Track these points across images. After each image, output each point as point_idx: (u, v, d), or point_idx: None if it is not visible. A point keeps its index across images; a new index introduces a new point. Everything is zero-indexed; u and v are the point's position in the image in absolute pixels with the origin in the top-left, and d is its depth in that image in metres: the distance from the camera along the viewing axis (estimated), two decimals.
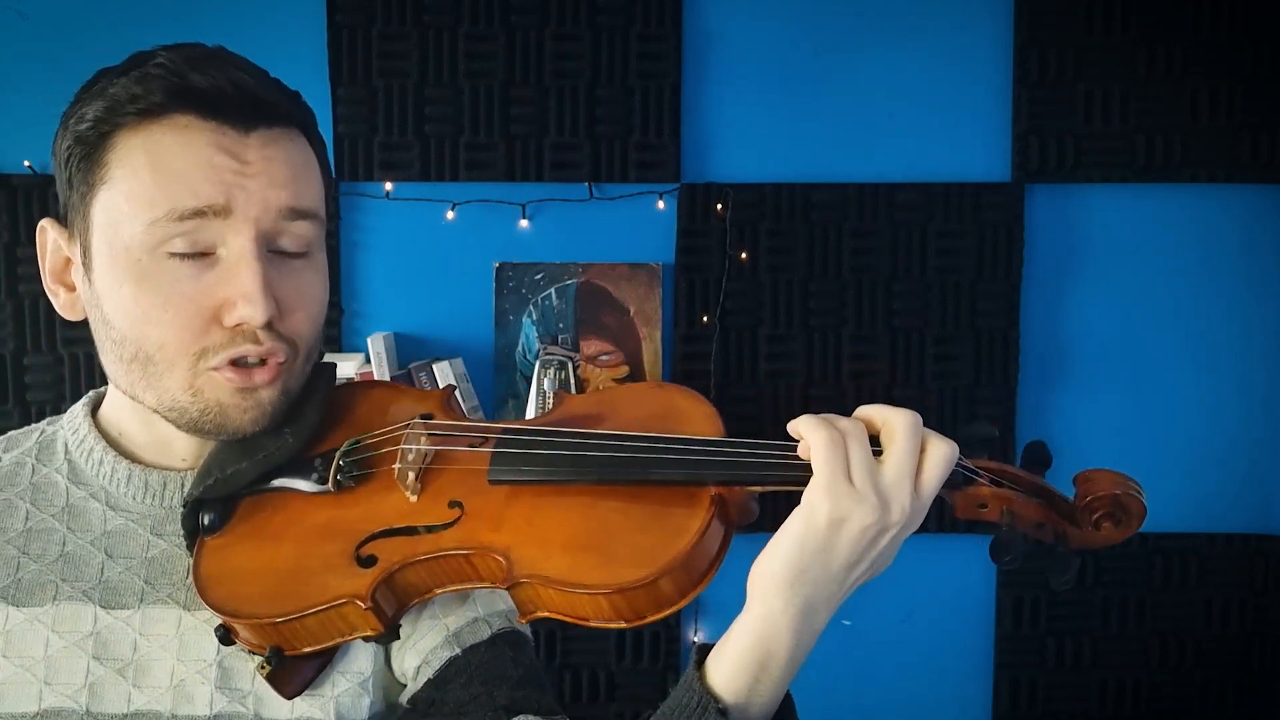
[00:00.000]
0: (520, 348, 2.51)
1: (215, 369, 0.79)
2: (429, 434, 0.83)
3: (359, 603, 0.75)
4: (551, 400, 2.36)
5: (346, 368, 2.36)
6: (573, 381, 2.45)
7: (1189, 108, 2.48)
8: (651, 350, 2.51)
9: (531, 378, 2.44)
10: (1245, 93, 2.47)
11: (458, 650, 0.83)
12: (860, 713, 2.61)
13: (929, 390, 2.52)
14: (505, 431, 0.82)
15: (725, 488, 0.74)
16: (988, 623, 2.60)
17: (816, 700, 2.67)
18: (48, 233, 0.85)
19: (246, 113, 0.78)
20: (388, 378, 2.35)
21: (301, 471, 0.83)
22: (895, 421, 0.70)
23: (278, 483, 0.83)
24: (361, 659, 0.84)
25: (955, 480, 0.74)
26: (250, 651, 0.79)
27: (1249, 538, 2.57)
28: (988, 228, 2.50)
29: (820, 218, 2.49)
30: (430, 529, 0.78)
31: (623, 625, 0.73)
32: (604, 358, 2.51)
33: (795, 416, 0.73)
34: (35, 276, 2.44)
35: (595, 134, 2.47)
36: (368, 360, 2.39)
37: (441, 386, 0.94)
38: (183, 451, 0.87)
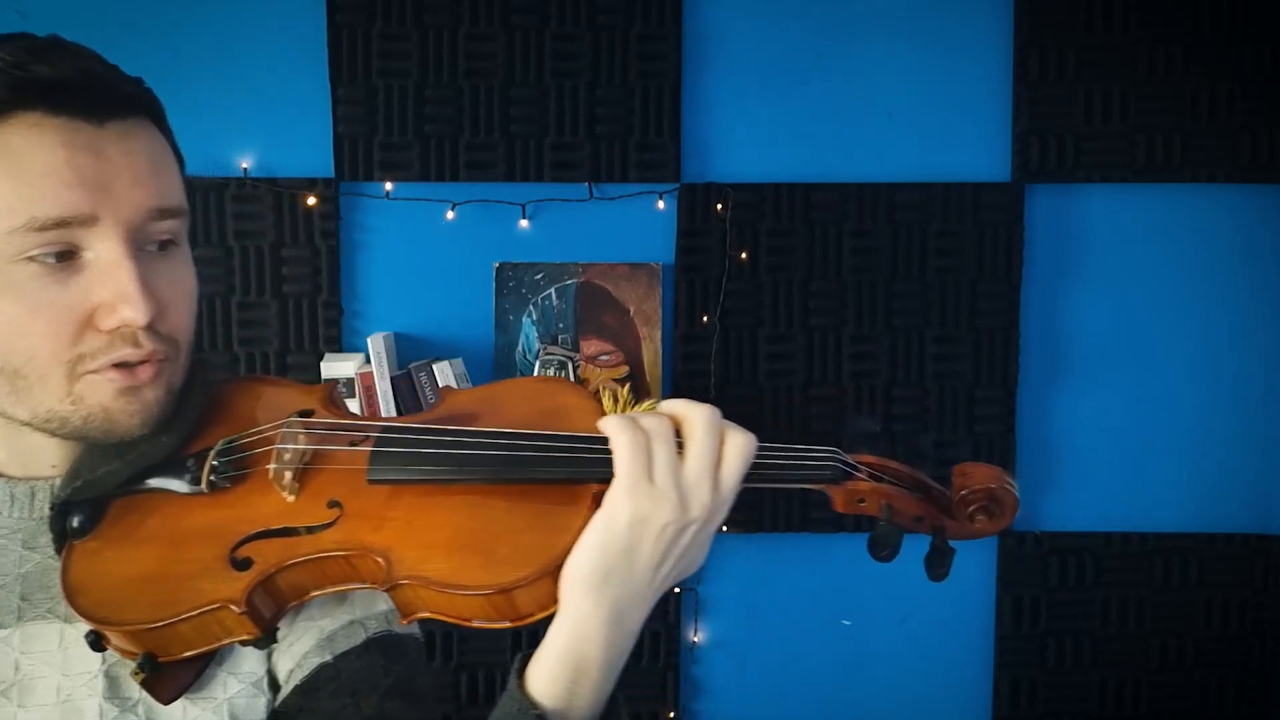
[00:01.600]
0: (520, 348, 2.51)
1: (95, 371, 0.75)
2: (306, 432, 0.81)
3: (233, 607, 0.73)
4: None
5: (346, 368, 2.36)
6: (573, 381, 2.45)
7: (1189, 108, 2.48)
8: (651, 350, 2.51)
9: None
10: (1245, 93, 2.47)
11: (329, 656, 0.81)
12: (860, 713, 2.61)
13: (929, 390, 2.52)
14: (385, 429, 0.80)
15: (606, 485, 0.72)
16: (988, 623, 2.60)
17: (817, 700, 2.69)
18: None
19: (98, 104, 0.74)
20: (388, 378, 2.35)
21: (175, 472, 0.79)
22: (694, 418, 0.71)
23: (151, 483, 0.80)
24: (252, 659, 0.81)
25: (835, 476, 0.75)
26: (125, 658, 0.77)
27: (1249, 538, 2.57)
28: (988, 228, 2.50)
29: (820, 218, 2.49)
30: (309, 530, 0.76)
31: (507, 625, 0.73)
32: (604, 358, 2.51)
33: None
34: None
35: (595, 134, 2.47)
36: (368, 360, 2.39)
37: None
38: (52, 458, 0.82)
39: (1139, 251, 2.54)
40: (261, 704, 0.81)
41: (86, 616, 0.74)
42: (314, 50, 2.44)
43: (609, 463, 0.71)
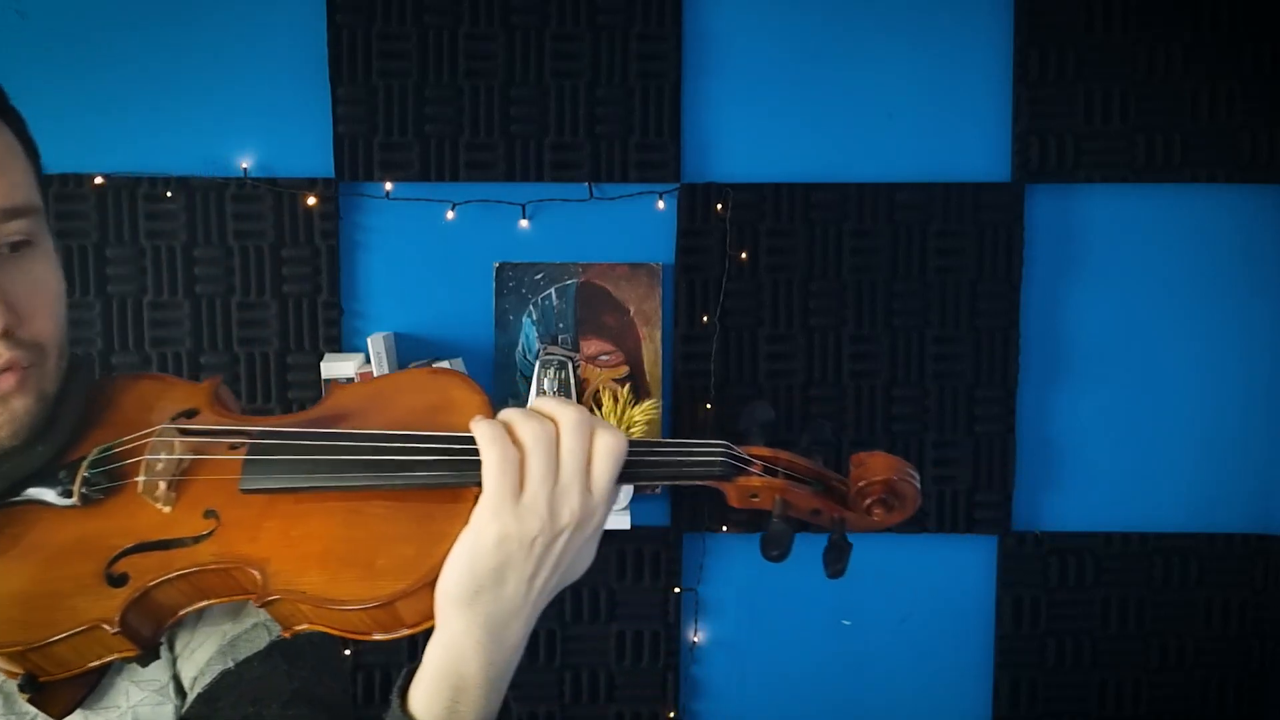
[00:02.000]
0: (520, 348, 2.51)
1: None
2: (182, 439, 0.76)
3: (106, 627, 0.70)
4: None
5: (346, 368, 2.36)
6: (573, 382, 2.45)
7: (1189, 108, 2.48)
8: (651, 350, 2.51)
9: (531, 378, 2.44)
10: (1245, 93, 2.47)
11: (231, 663, 0.78)
12: (860, 713, 2.61)
13: (929, 390, 2.52)
14: (260, 434, 0.76)
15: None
16: (988, 623, 2.60)
17: (817, 700, 2.68)
18: None
19: None
20: None
21: (49, 482, 0.75)
22: (560, 420, 0.68)
23: (27, 495, 0.76)
24: (155, 667, 0.78)
25: (725, 473, 0.71)
26: (8, 677, 0.74)
27: (1249, 538, 2.57)
28: (988, 228, 2.49)
29: (820, 218, 2.49)
30: (185, 542, 0.72)
31: (394, 637, 0.70)
32: (604, 358, 2.51)
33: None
34: None
35: (595, 134, 2.47)
36: (368, 360, 2.39)
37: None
38: None
39: (1139, 251, 2.54)
40: (168, 710, 0.79)
41: None
42: (314, 50, 2.44)
43: (479, 466, 0.68)
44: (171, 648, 0.81)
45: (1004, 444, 2.53)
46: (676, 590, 2.55)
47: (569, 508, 0.67)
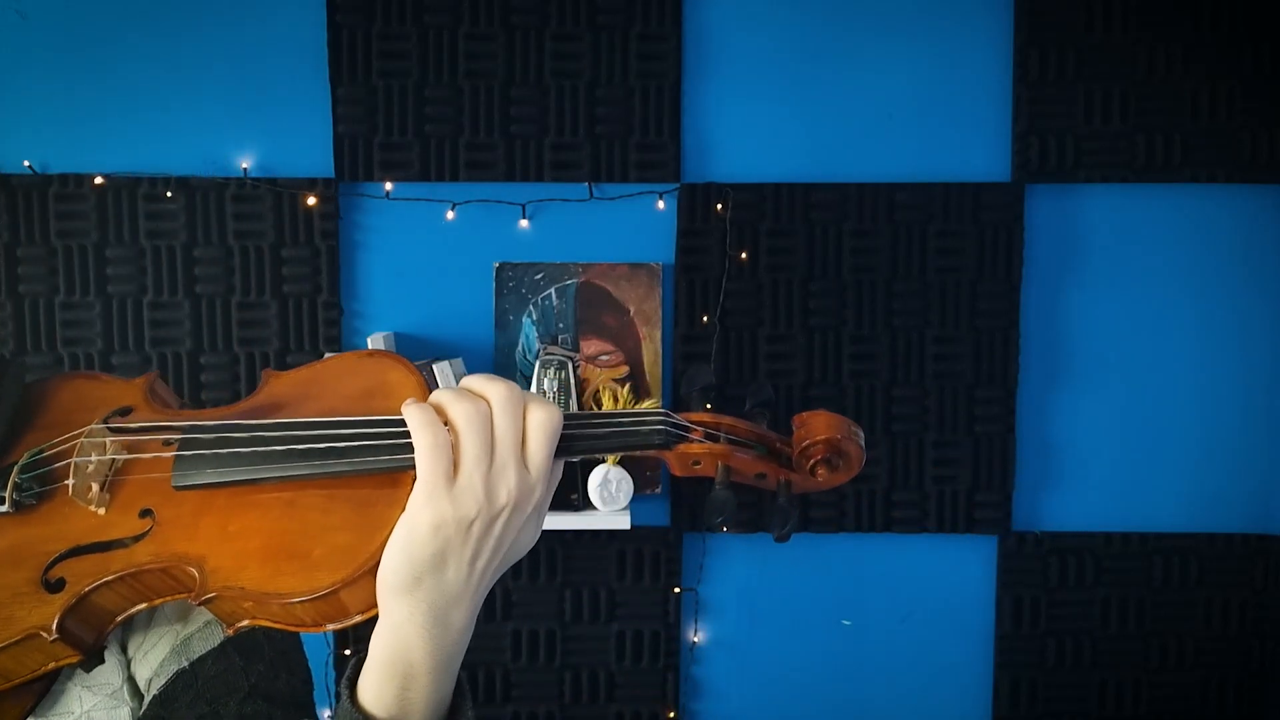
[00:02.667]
0: (520, 348, 2.51)
1: None
2: (114, 438, 0.75)
3: (43, 635, 0.68)
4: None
5: None
6: (573, 382, 2.45)
7: (1189, 108, 2.48)
8: (651, 350, 2.51)
9: (531, 378, 2.44)
10: (1245, 93, 2.47)
11: (185, 663, 0.78)
12: (860, 713, 2.61)
13: (929, 390, 2.52)
14: (189, 429, 0.74)
15: None
16: (988, 623, 2.60)
17: (817, 700, 2.68)
18: None
19: None
20: None
21: None
22: (490, 397, 0.66)
23: None
24: (107, 670, 0.78)
25: (663, 441, 0.70)
26: None
27: (1249, 538, 2.57)
28: (988, 228, 2.49)
29: (820, 218, 2.49)
30: (122, 544, 0.71)
31: (343, 625, 0.69)
32: (604, 358, 2.51)
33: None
34: (36, 277, 2.44)
35: (595, 134, 2.47)
36: None
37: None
38: None
39: (1139, 251, 2.54)
40: (124, 714, 0.78)
41: None
42: (314, 50, 2.44)
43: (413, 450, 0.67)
44: (125, 650, 0.80)
45: (1004, 444, 2.53)
46: (676, 590, 2.55)
47: (505, 487, 0.65)
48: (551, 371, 2.41)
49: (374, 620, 0.68)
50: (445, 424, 0.65)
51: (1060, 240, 2.54)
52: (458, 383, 2.32)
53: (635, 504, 2.44)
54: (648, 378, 2.51)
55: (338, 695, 0.69)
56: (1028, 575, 2.57)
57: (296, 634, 0.82)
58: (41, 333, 2.44)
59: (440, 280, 2.50)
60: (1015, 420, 2.54)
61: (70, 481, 0.73)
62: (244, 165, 2.44)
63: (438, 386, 0.86)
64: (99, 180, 2.42)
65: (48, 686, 0.75)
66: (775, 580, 2.58)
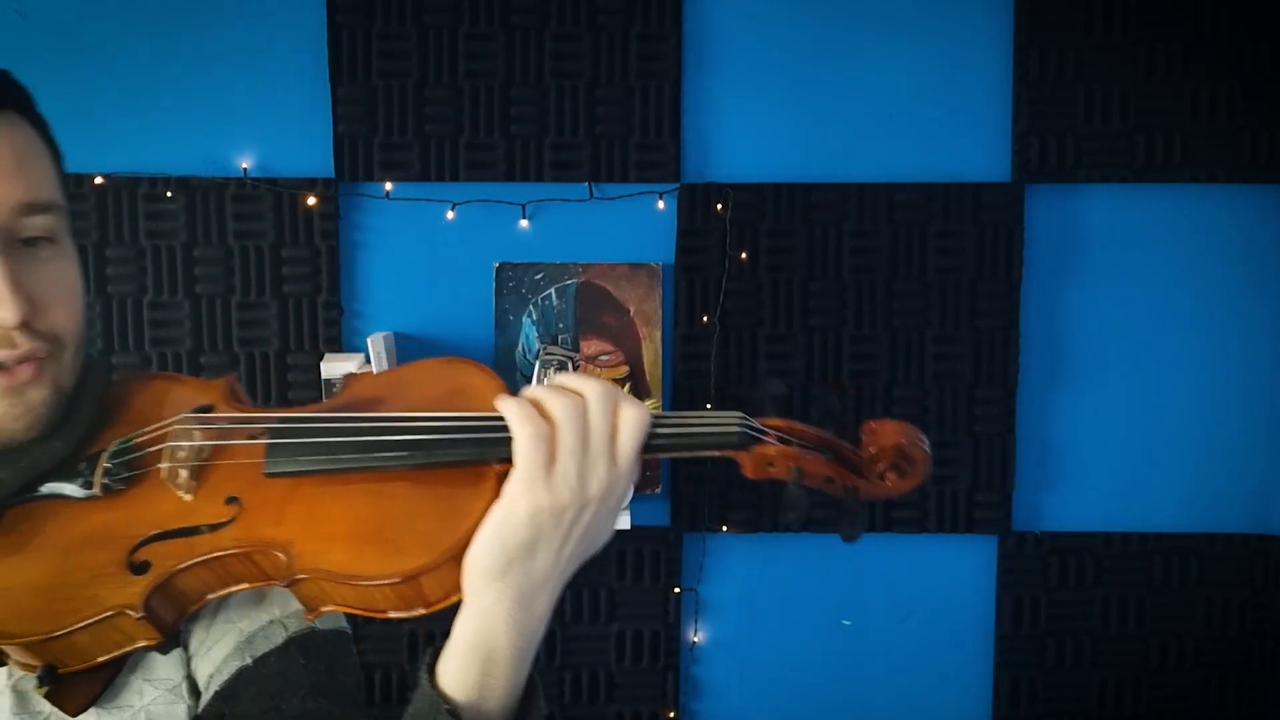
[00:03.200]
0: (520, 348, 2.51)
1: None
2: (202, 428, 0.78)
3: (130, 613, 0.71)
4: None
5: (347, 368, 2.36)
6: None
7: (1189, 108, 2.48)
8: (651, 350, 2.51)
9: (531, 378, 2.45)
10: (1245, 93, 2.47)
11: (248, 659, 0.79)
12: (860, 713, 2.61)
13: (929, 390, 2.52)
14: (281, 420, 0.78)
15: (509, 465, 0.71)
16: (988, 623, 2.60)
17: (817, 700, 2.68)
18: None
19: None
20: None
21: (68, 476, 0.77)
22: (586, 394, 0.70)
23: (44, 490, 0.77)
24: (169, 665, 0.80)
25: (742, 441, 0.73)
26: (26, 671, 0.75)
27: (1249, 538, 2.57)
28: (988, 228, 2.49)
29: (820, 218, 2.49)
30: (207, 528, 0.74)
31: (421, 613, 0.71)
32: (604, 358, 2.51)
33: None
34: None
35: (595, 134, 2.47)
36: (368, 360, 2.39)
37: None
38: None
39: (1139, 251, 2.54)
40: (181, 710, 0.79)
41: None
42: (314, 50, 2.44)
43: (509, 443, 0.69)
44: (186, 647, 0.81)
45: (1004, 444, 2.53)
46: (676, 590, 2.55)
47: (597, 479, 0.68)
48: (551, 371, 2.41)
49: (447, 610, 0.70)
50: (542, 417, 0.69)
51: (1060, 240, 2.54)
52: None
53: (635, 504, 2.44)
54: (648, 378, 2.51)
55: (417, 680, 0.71)
56: (1028, 575, 2.57)
57: (350, 638, 0.86)
58: None
59: (440, 280, 2.50)
60: (1015, 420, 2.54)
61: (163, 465, 0.76)
62: (244, 165, 2.44)
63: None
64: (99, 180, 2.42)
65: (114, 674, 0.77)
66: (775, 580, 2.58)
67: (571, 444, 0.68)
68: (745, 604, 2.58)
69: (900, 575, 2.58)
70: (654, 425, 0.71)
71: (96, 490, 0.76)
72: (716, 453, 0.75)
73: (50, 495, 0.77)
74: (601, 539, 0.73)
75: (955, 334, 2.51)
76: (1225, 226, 2.53)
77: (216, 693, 0.78)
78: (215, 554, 0.73)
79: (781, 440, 0.75)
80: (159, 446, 0.77)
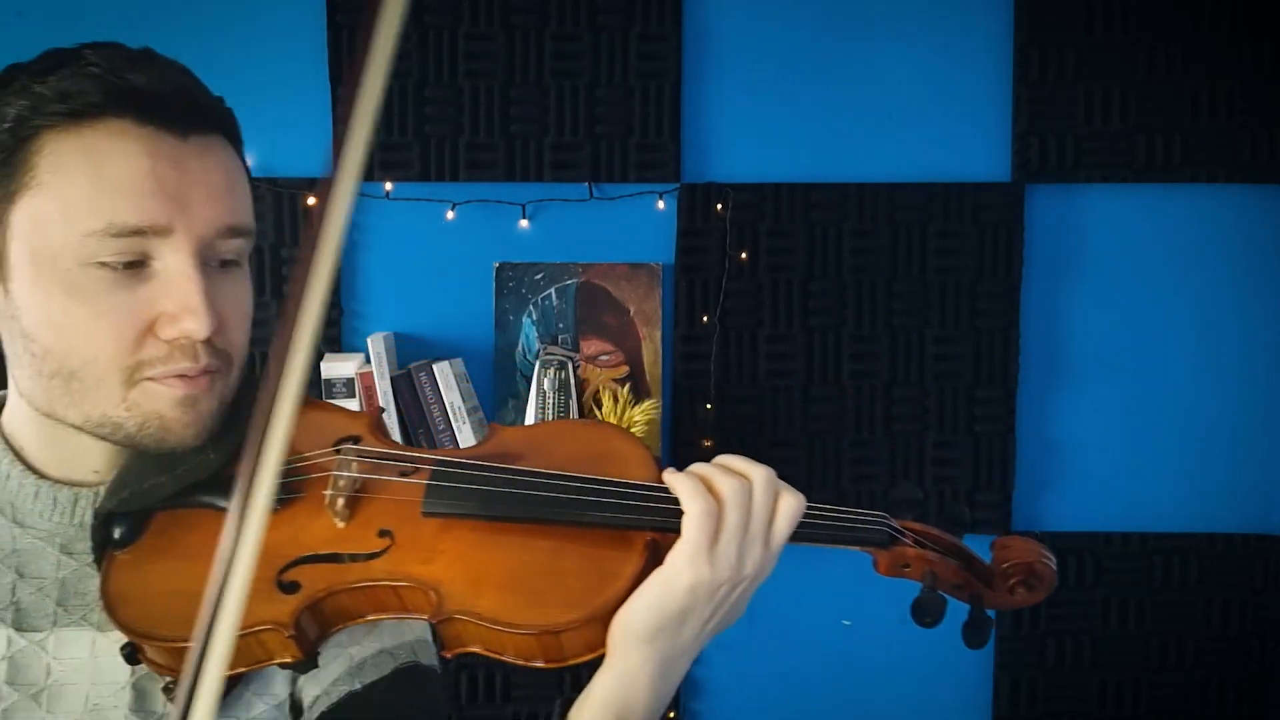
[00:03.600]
0: (520, 348, 2.51)
1: (153, 379, 0.75)
2: (359, 460, 0.81)
3: (282, 630, 0.73)
4: (551, 406, 2.36)
5: (346, 368, 2.36)
6: (573, 382, 2.45)
7: (1189, 108, 2.48)
8: (651, 350, 2.51)
9: (531, 378, 2.44)
10: (1245, 93, 2.47)
11: (358, 685, 0.81)
12: (860, 713, 2.61)
13: (928, 390, 2.52)
14: (440, 463, 0.80)
15: (659, 534, 0.74)
16: None
17: (817, 700, 2.68)
18: None
19: (183, 117, 0.75)
20: (387, 378, 2.35)
21: (222, 489, 0.78)
22: (753, 478, 0.73)
23: (198, 499, 0.79)
24: (278, 682, 0.81)
25: (882, 540, 0.78)
26: (157, 673, 0.76)
27: (1249, 538, 2.57)
28: (988, 228, 2.49)
29: (820, 218, 2.49)
30: (357, 558, 0.76)
31: (547, 666, 0.75)
32: (604, 358, 2.51)
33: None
34: None
35: (595, 134, 2.47)
36: (368, 360, 2.39)
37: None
38: (95, 464, 0.81)
39: (1139, 251, 2.54)
40: None
41: (126, 629, 0.73)
42: (314, 50, 2.44)
43: (666, 513, 0.73)
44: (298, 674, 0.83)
45: (1004, 444, 2.53)
46: None
47: (753, 560, 0.73)
48: (551, 371, 2.41)
49: (578, 666, 0.75)
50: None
51: (1060, 240, 2.54)
52: (459, 382, 2.33)
53: None
54: (648, 378, 2.51)
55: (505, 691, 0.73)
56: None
57: (441, 678, 0.88)
58: None
59: (440, 280, 2.50)
60: (1015, 420, 2.54)
61: (328, 492, 0.78)
62: None
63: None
64: None
65: (234, 685, 0.79)
66: (775, 580, 2.56)
67: (735, 524, 0.72)
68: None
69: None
70: (804, 514, 0.76)
71: None
72: (857, 547, 0.79)
73: (204, 505, 0.79)
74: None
75: (955, 334, 2.51)
76: (1225, 226, 2.53)
77: (323, 714, 0.80)
78: (364, 583, 0.75)
79: (919, 544, 0.80)
80: (320, 473, 0.80)
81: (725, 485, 0.72)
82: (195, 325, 0.74)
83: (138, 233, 0.72)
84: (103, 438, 0.77)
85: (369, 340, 2.41)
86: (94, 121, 0.73)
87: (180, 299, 0.74)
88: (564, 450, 0.83)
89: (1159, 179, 2.50)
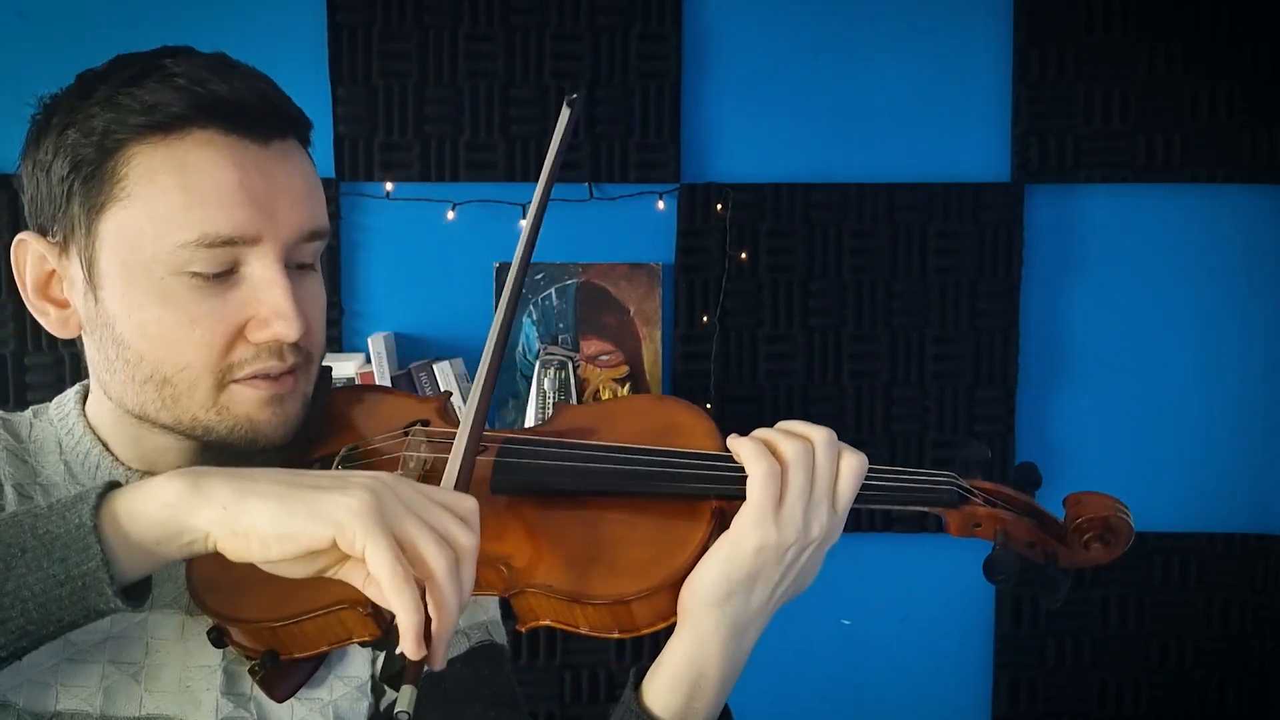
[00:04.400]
0: (520, 348, 2.51)
1: (240, 382, 0.78)
2: (429, 441, 0.83)
3: (360, 608, 0.74)
4: (551, 406, 2.36)
5: (347, 368, 2.36)
6: (573, 382, 2.45)
7: (1189, 108, 2.48)
8: (651, 350, 2.51)
9: (532, 378, 2.44)
10: (1245, 93, 2.47)
11: None
12: (860, 713, 2.61)
13: (928, 390, 2.52)
14: (508, 440, 0.82)
15: (726, 501, 0.75)
16: (987, 623, 2.60)
17: (817, 700, 2.68)
18: (28, 245, 0.80)
19: (265, 125, 0.77)
20: (388, 378, 2.35)
21: None
22: (813, 440, 0.73)
23: None
24: (358, 664, 0.84)
25: (951, 499, 0.77)
26: (244, 655, 0.79)
27: (1249, 538, 2.57)
28: (988, 228, 2.49)
29: (820, 218, 2.49)
30: None
31: (620, 636, 0.75)
32: (604, 358, 2.51)
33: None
34: None
35: (595, 134, 2.47)
36: (368, 360, 2.39)
37: (441, 390, 0.94)
38: (176, 460, 0.84)
39: (1139, 251, 2.54)
40: (364, 708, 0.83)
41: (212, 613, 0.76)
42: (314, 50, 2.44)
43: (731, 480, 0.73)
44: (374, 651, 0.85)
45: (1004, 444, 2.53)
46: None
47: (819, 522, 0.73)
48: (551, 371, 2.42)
49: (652, 635, 0.74)
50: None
51: (1060, 240, 2.54)
52: (459, 382, 2.33)
53: None
54: (647, 378, 2.51)
55: (622, 700, 0.75)
56: (1026, 575, 2.56)
57: (510, 656, 0.90)
58: (43, 333, 2.44)
59: (440, 280, 2.50)
60: (1015, 420, 2.54)
61: (399, 472, 0.79)
62: None
63: (450, 395, 0.95)
64: None
65: (316, 668, 0.81)
66: None
67: (800, 486, 0.71)
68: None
69: (900, 575, 2.58)
70: (870, 475, 0.75)
71: None
72: (925, 508, 0.78)
73: None
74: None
75: (955, 334, 2.51)
76: (1225, 226, 2.53)
77: None
78: None
79: (989, 503, 0.78)
80: (391, 455, 0.82)
81: (788, 447, 0.72)
82: (286, 329, 0.76)
83: (229, 243, 0.74)
84: (196, 439, 0.80)
85: (369, 340, 2.41)
86: (181, 133, 0.74)
87: (271, 304, 0.76)
88: (628, 425, 0.84)
89: (1159, 179, 2.50)
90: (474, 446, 0.77)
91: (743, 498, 0.73)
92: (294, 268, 0.79)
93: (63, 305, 0.81)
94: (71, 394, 0.89)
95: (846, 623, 2.60)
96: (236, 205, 0.74)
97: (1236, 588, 2.57)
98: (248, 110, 0.75)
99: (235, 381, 0.77)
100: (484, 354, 0.79)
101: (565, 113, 0.75)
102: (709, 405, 2.49)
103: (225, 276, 0.76)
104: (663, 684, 0.74)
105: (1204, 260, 2.54)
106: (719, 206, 2.48)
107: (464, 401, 0.78)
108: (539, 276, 2.49)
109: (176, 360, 0.76)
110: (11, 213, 2.42)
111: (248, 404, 0.78)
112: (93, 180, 0.75)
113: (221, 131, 0.75)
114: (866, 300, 2.51)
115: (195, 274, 0.75)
